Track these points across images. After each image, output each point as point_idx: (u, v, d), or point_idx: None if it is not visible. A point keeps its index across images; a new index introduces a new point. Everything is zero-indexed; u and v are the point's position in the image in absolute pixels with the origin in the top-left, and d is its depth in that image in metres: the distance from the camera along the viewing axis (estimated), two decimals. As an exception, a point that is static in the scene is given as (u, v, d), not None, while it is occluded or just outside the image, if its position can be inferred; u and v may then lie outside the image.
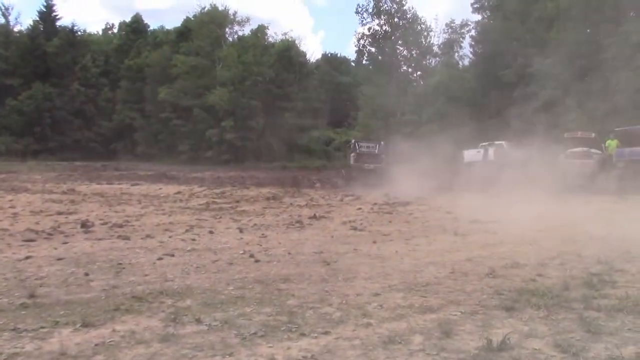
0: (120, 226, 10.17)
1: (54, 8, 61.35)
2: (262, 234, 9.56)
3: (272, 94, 52.86)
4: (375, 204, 16.08)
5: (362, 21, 53.31)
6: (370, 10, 51.19)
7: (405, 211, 14.18)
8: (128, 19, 69.58)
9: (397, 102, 47.79)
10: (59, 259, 6.86)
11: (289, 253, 7.59)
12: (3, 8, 59.76)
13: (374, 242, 8.80)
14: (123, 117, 59.30)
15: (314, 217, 12.48)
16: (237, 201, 16.73)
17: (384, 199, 17.81)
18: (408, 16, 51.10)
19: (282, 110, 53.57)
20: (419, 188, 18.85)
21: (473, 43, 47.95)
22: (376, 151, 27.73)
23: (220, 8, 57.09)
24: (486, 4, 45.23)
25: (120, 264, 6.66)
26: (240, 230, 9.98)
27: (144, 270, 6.31)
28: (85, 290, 5.39)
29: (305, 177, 31.64)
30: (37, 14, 60.59)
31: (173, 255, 7.22)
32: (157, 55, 57.54)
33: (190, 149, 52.97)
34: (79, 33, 63.73)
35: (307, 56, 62.60)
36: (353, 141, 29.47)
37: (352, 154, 27.07)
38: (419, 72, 52.97)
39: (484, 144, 24.14)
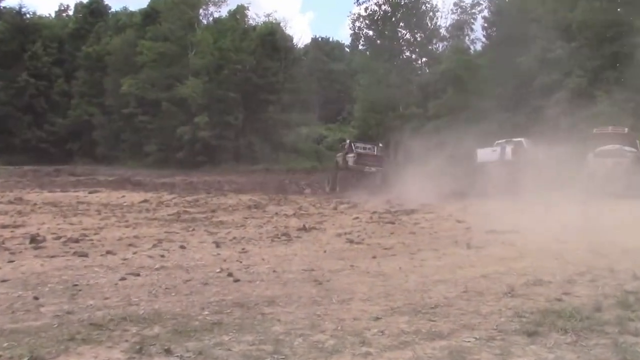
0: (77, 241, 10.09)
1: (-2, -13, 61.33)
2: (243, 249, 9.54)
3: (253, 84, 52.90)
4: (374, 212, 16.10)
5: (358, 0, 53.40)
6: (368, -13, 51.43)
7: (409, 221, 14.20)
8: (85, 0, 69.47)
9: (399, 94, 47.98)
10: (4, 281, 6.78)
11: (274, 271, 7.56)
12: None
13: (374, 257, 8.80)
14: (80, 113, 59.09)
15: (304, 228, 12.47)
16: (213, 210, 16.73)
17: (384, 206, 17.84)
18: (411, -6, 51.33)
19: (266, 104, 53.61)
20: (425, 193, 18.87)
21: (486, 25, 48.26)
22: (375, 152, 27.95)
23: (192, -14, 57.25)
24: (501, -21, 45.65)
25: (76, 285, 6.59)
26: (217, 245, 9.95)
27: (104, 293, 6.25)
28: (35, 317, 5.32)
29: (292, 181, 31.64)
30: (-23, -7, 60.40)
31: (138, 275, 7.18)
32: (119, 41, 57.45)
33: (158, 149, 52.89)
34: (28, 16, 63.64)
35: (294, 41, 62.88)
36: (348, 141, 29.61)
37: (352, 155, 27.18)
38: (424, 59, 53.21)
39: (500, 141, 24.22)
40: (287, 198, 21.64)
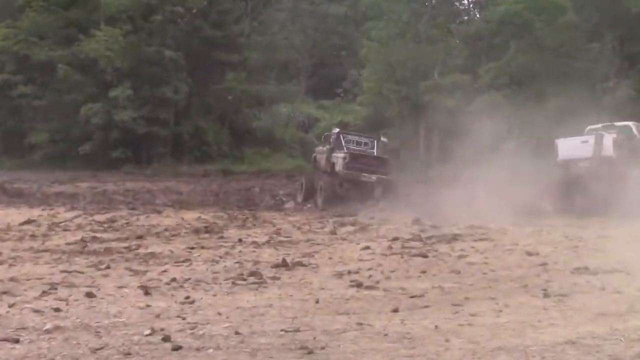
0: None
1: None
2: (187, 298, 9.53)
3: (203, 38, 52.93)
4: (395, 238, 16.15)
5: None
6: None
7: (451, 252, 14.24)
8: None
9: (433, 53, 48.08)
10: None
11: (237, 332, 7.53)
12: None
13: (395, 309, 8.80)
14: None
15: (284, 264, 12.52)
16: (140, 237, 16.82)
17: (411, 229, 17.86)
18: None
19: (223, 69, 53.62)
20: (475, 209, 18.95)
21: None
22: (374, 151, 28.19)
23: None
24: None
25: None
26: (146, 292, 9.93)
27: (-38, 370, 6.21)
28: None
29: (265, 189, 31.76)
30: None
31: (17, 341, 7.12)
32: (-14, -33, 57.48)
33: (51, 140, 52.59)
34: None
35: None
36: (336, 130, 29.75)
37: (341, 155, 27.25)
38: (472, -2, 53.54)
39: (594, 127, 24.31)
40: (257, 216, 21.69)
